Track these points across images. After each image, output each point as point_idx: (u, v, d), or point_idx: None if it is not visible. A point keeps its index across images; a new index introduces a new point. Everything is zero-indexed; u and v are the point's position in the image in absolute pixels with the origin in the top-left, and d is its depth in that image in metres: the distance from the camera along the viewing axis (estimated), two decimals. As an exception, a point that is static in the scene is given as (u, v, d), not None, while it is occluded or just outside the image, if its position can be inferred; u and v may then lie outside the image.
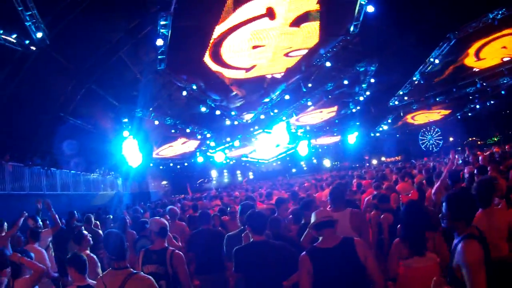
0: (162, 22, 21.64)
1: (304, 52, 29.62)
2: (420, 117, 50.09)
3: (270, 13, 23.54)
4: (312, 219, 5.98)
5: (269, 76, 32.55)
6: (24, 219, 12.15)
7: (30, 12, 18.22)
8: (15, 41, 19.01)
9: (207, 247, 9.13)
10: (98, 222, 15.51)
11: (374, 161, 57.52)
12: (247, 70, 30.03)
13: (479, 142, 53.02)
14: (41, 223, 12.64)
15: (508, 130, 50.43)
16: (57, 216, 12.08)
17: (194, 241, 9.53)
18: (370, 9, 24.18)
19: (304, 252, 5.71)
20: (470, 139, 55.43)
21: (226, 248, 8.31)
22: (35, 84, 22.36)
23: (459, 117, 50.52)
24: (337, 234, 5.85)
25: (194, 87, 29.86)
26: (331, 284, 5.51)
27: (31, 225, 11.94)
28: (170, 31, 22.20)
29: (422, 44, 30.15)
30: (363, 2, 24.52)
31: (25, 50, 19.63)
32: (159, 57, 24.31)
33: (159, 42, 22.51)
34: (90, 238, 8.88)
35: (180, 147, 44.17)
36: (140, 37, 23.30)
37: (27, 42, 19.23)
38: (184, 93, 29.69)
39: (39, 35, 18.98)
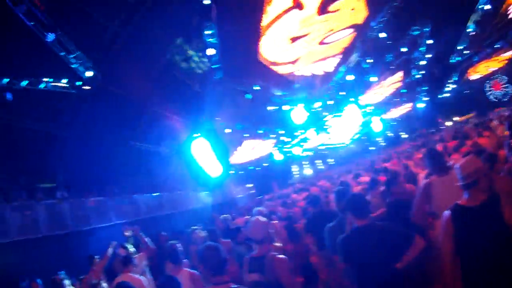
0: (207, 32, 21.18)
1: (344, 34, 28.67)
2: (481, 69, 47.79)
3: (297, 4, 22.75)
4: (458, 175, 5.25)
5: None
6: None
7: (74, 55, 18.10)
8: (67, 85, 18.99)
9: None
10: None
11: (448, 123, 55.84)
12: (293, 62, 29.22)
13: None
14: (133, 249, 12.17)
15: None
16: (147, 239, 11.69)
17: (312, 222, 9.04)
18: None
19: (447, 211, 5.17)
20: None
21: (328, 242, 7.55)
22: (98, 118, 22.62)
23: None
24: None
25: (257, 87, 29.13)
26: (475, 249, 4.91)
27: (122, 254, 11.56)
28: (217, 39, 21.67)
29: None
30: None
31: (78, 92, 19.56)
32: (213, 66, 23.85)
33: (210, 51, 22.18)
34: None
35: (256, 151, 43.48)
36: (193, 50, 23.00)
37: (78, 83, 19.22)
38: (248, 95, 28.98)
39: (89, 74, 18.89)
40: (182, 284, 6.25)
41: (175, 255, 8.12)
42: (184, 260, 8.35)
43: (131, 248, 11.69)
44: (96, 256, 11.16)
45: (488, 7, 30.01)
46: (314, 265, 8.96)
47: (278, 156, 44.79)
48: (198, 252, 5.37)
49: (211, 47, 22.01)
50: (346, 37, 29.45)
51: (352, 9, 25.92)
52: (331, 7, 24.46)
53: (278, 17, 23.33)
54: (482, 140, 13.93)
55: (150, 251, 11.52)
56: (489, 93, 52.87)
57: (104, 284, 9.05)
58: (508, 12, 33.61)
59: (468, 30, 33.41)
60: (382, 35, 29.99)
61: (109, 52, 21.03)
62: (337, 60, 32.35)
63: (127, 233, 12.66)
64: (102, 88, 20.95)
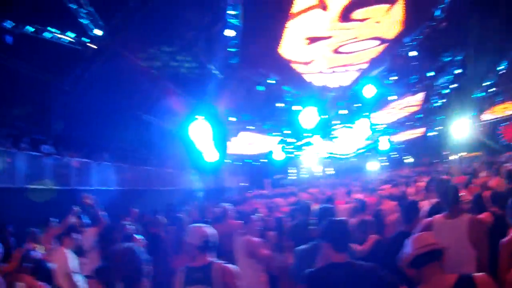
0: (231, 12, 19.84)
1: (369, 44, 27.21)
2: (498, 109, 45.84)
3: (322, 4, 21.17)
4: (407, 249, 4.18)
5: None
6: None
7: (86, 10, 17.17)
8: (73, 40, 18.04)
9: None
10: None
11: (453, 157, 54.50)
12: (306, 63, 27.80)
13: None
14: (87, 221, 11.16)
15: None
16: (103, 213, 10.99)
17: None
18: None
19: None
20: None
21: (295, 267, 6.18)
22: (109, 82, 22.31)
23: None
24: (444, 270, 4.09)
25: (272, 81, 27.71)
26: None
27: (73, 223, 10.37)
28: (241, 21, 20.34)
29: (509, 30, 27.28)
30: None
31: (84, 48, 18.58)
32: (230, 49, 22.63)
33: (229, 33, 20.93)
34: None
35: (256, 145, 43.07)
36: (214, 32, 21.86)
37: (86, 40, 18.24)
38: (261, 88, 27.80)
39: (98, 32, 17.94)
40: None
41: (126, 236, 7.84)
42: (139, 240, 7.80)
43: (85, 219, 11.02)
44: (54, 220, 10.92)
45: None
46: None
47: (279, 155, 43.82)
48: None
49: (232, 29, 20.64)
50: (372, 48, 28.03)
51: (377, 22, 24.41)
52: (354, 15, 22.94)
53: (301, 12, 21.71)
54: (493, 182, 12.29)
55: (101, 226, 10.84)
56: (502, 136, 51.14)
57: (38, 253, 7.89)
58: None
59: (499, 68, 32.09)
60: (413, 53, 28.55)
61: (124, 15, 20.15)
62: (356, 73, 31.06)
63: (87, 201, 11.78)
64: (110, 50, 20.54)
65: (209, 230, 5.66)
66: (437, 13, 24.62)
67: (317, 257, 5.56)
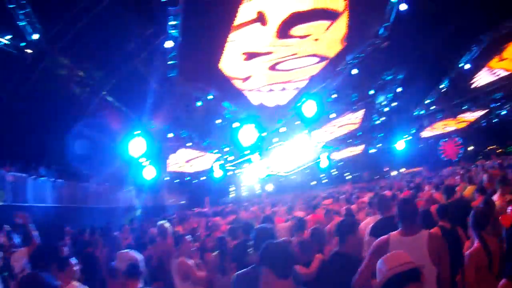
0: (171, 22, 18.83)
1: (309, 62, 26.67)
2: (438, 126, 47.76)
3: (260, 18, 20.52)
4: (381, 269, 3.66)
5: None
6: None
7: (24, 11, 16.26)
8: (8, 42, 16.92)
9: None
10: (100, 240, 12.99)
11: (394, 173, 55.06)
12: (244, 80, 27.11)
13: (498, 150, 49.34)
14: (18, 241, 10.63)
15: None
16: (35, 233, 9.59)
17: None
18: (403, 7, 21.13)
19: None
20: (490, 147, 52.43)
21: None
22: (46, 91, 21.24)
23: (484, 124, 48.25)
24: None
25: (211, 96, 26.85)
26: None
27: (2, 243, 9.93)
28: (180, 33, 19.36)
29: (450, 49, 28.26)
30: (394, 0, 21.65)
31: (19, 53, 17.71)
32: (169, 62, 21.65)
33: (169, 44, 19.77)
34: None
35: (196, 163, 42.18)
36: (156, 45, 21.00)
37: (22, 44, 17.29)
38: (199, 103, 26.85)
39: (35, 36, 16.90)
40: None
41: (63, 262, 6.58)
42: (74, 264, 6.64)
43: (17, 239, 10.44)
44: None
45: (468, 66, 28.62)
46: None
47: (218, 173, 43.26)
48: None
49: (171, 40, 19.63)
50: (312, 66, 27.50)
51: (316, 40, 23.85)
52: (293, 31, 22.37)
53: (240, 26, 21.06)
54: (437, 195, 12.62)
55: (32, 247, 9.35)
56: (441, 151, 52.78)
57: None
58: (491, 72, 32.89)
59: (441, 86, 32.09)
60: (354, 71, 28.06)
61: (75, 26, 19.00)
62: (293, 92, 30.44)
63: (19, 219, 10.71)
64: (48, 58, 19.58)
65: (137, 255, 5.34)
66: (381, 31, 24.37)
67: (259, 282, 4.62)
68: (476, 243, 5.82)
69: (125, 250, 5.64)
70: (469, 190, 12.10)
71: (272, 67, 25.91)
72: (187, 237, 8.78)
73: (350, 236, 6.27)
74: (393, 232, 5.47)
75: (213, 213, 23.36)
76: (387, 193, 16.19)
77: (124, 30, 21.40)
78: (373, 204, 10.01)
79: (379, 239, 5.57)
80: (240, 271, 5.51)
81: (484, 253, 5.65)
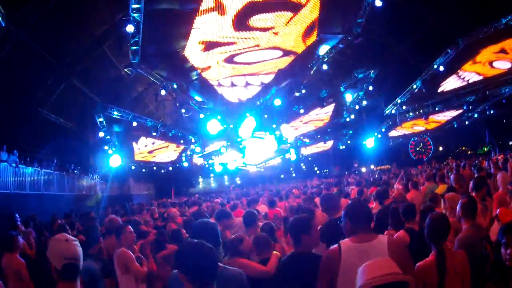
0: (134, 6, 17.55)
1: (272, 55, 25.63)
2: (407, 125, 47.28)
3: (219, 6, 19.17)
4: (361, 279, 3.15)
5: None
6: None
7: None
8: None
9: None
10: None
11: (363, 169, 55.61)
12: (203, 70, 25.95)
13: (469, 152, 51.09)
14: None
15: (500, 140, 47.87)
16: None
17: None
18: (378, 3, 19.98)
19: None
20: (460, 148, 53.85)
21: None
22: (11, 75, 20.38)
23: (455, 125, 47.91)
24: None
25: (175, 86, 25.81)
26: None
27: None
28: (142, 16, 18.13)
29: (423, 50, 28.25)
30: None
31: None
32: (132, 48, 20.14)
33: (130, 28, 18.39)
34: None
35: (160, 154, 41.43)
36: (125, 31, 19.43)
37: None
38: (163, 92, 25.75)
39: None
40: None
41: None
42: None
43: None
44: None
45: (441, 68, 27.75)
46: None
47: (186, 163, 42.60)
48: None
49: (132, 24, 18.28)
50: (275, 60, 26.37)
51: (275, 33, 22.70)
52: (253, 22, 21.13)
53: (198, 14, 19.67)
54: (410, 194, 12.14)
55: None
56: (411, 150, 53.08)
57: None
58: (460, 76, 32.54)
59: (414, 86, 31.41)
60: (325, 67, 27.06)
61: (42, 9, 18.38)
62: (257, 88, 29.75)
63: None
64: (25, 43, 19.39)
65: (75, 246, 4.47)
66: (354, 28, 23.26)
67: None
68: (431, 256, 4.94)
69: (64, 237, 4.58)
70: (440, 189, 11.28)
71: (229, 59, 24.79)
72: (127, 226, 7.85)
73: (304, 236, 5.33)
74: (344, 240, 4.67)
75: (172, 204, 22.44)
76: (353, 189, 16.23)
77: (93, 14, 21.08)
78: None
79: (327, 251, 4.78)
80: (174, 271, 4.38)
81: (435, 269, 4.77)
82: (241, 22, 20.54)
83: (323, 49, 25.94)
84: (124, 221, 11.56)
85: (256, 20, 20.72)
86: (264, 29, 21.86)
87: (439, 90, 34.23)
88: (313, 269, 4.75)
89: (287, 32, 22.70)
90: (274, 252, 6.29)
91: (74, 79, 24.12)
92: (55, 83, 23.65)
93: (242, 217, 8.45)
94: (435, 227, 5.05)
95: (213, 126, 28.58)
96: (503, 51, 27.97)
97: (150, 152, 39.52)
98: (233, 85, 28.43)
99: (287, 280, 5.31)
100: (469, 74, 31.97)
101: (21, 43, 19.15)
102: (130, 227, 7.85)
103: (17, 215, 12.97)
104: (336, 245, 4.63)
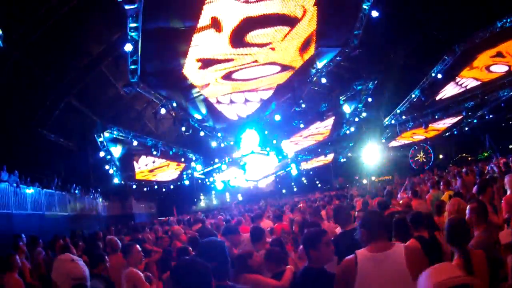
0: (132, 24, 17.38)
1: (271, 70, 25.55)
2: (407, 135, 47.27)
3: (215, 24, 19.11)
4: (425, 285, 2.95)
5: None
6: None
7: None
8: None
9: None
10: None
11: (365, 181, 54.34)
12: (201, 88, 25.84)
13: (469, 158, 50.49)
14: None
15: (500, 144, 47.07)
16: None
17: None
18: (375, 14, 20.01)
19: None
20: (460, 155, 53.05)
21: None
22: (10, 95, 20.55)
23: (455, 132, 48.34)
24: None
25: (174, 104, 25.82)
26: None
27: None
28: (140, 34, 18.05)
29: (420, 59, 28.13)
30: (366, 7, 20.65)
31: None
32: (130, 67, 20.05)
33: (128, 47, 18.21)
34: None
35: (163, 173, 41.52)
36: (123, 50, 19.28)
37: None
38: (164, 111, 25.92)
39: None
40: None
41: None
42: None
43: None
44: None
45: (439, 76, 27.75)
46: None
47: (187, 182, 42.43)
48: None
49: (130, 43, 18.14)
50: (275, 75, 26.35)
51: (272, 49, 22.59)
52: (250, 38, 21.04)
53: (195, 32, 19.56)
54: (413, 203, 12.55)
55: None
56: (411, 160, 52.81)
57: None
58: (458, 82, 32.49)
59: (412, 96, 31.49)
60: (323, 80, 27.18)
61: (40, 28, 18.19)
62: (256, 104, 29.63)
63: None
64: (23, 63, 19.40)
65: (83, 268, 4.35)
66: (352, 40, 23.33)
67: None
68: (456, 260, 4.94)
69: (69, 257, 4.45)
70: (446, 196, 11.61)
71: (228, 76, 24.69)
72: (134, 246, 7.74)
73: (312, 251, 5.21)
74: (360, 250, 4.67)
75: (177, 221, 22.74)
76: (358, 201, 16.19)
77: (91, 34, 20.87)
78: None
79: (343, 260, 4.74)
80: None
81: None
82: (238, 38, 20.44)
83: (321, 63, 25.88)
84: (129, 240, 11.50)
85: (253, 36, 20.66)
86: (261, 45, 21.75)
87: (438, 98, 34.22)
88: (327, 286, 4.70)
89: (284, 47, 22.63)
90: (288, 266, 6.11)
91: (73, 99, 24.01)
92: (54, 103, 23.57)
93: (250, 232, 8.36)
94: (456, 231, 5.07)
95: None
96: (499, 54, 27.92)
97: (151, 171, 39.27)
98: (232, 102, 28.27)
99: None
100: (467, 80, 31.89)
101: (18, 63, 19.12)
102: (138, 246, 7.73)
103: (23, 235, 12.89)
104: (352, 255, 4.60)
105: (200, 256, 4.47)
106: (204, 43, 20.39)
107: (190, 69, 22.81)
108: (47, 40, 18.77)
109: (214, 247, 4.69)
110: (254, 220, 12.63)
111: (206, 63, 22.48)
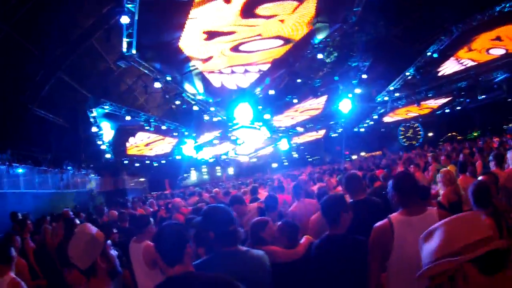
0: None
1: (273, 44, 25.31)
2: (401, 112, 47.45)
3: None
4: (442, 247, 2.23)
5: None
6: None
7: None
8: None
9: None
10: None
11: (354, 156, 54.89)
12: (204, 61, 25.38)
13: (458, 137, 50.12)
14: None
15: (490, 125, 47.66)
16: None
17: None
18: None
19: None
20: (450, 134, 53.16)
21: None
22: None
23: (447, 111, 48.30)
24: None
25: (169, 78, 25.38)
26: None
27: None
28: (137, 7, 17.55)
29: (415, 38, 28.36)
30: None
31: None
32: (126, 39, 19.57)
33: (125, 19, 17.68)
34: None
35: (156, 147, 41.17)
36: (113, 23, 19.36)
37: None
38: (158, 85, 25.20)
39: None
40: None
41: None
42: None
43: None
44: None
45: (435, 55, 27.75)
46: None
47: (178, 156, 42.37)
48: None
49: (127, 15, 17.62)
50: (275, 48, 26.03)
51: (281, 21, 22.38)
52: (258, 11, 20.79)
53: (202, 3, 19.15)
54: (418, 174, 13.66)
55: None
56: (402, 136, 54.57)
57: None
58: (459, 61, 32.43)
59: (407, 74, 31.28)
60: (320, 56, 26.78)
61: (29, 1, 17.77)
62: (255, 75, 29.10)
63: None
64: (11, 38, 18.65)
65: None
66: (350, 16, 23.17)
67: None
68: (485, 219, 4.80)
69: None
70: (451, 168, 11.86)
71: (235, 48, 24.41)
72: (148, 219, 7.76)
73: (345, 214, 5.12)
74: (393, 214, 4.62)
75: (172, 195, 23.61)
76: (379, 171, 15.76)
77: (80, 6, 20.29)
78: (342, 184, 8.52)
79: (377, 225, 4.65)
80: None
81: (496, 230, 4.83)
82: (247, 10, 20.32)
83: (319, 38, 25.63)
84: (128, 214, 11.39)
85: (263, 8, 20.54)
86: (268, 17, 21.63)
87: (439, 74, 34.31)
88: (355, 253, 4.76)
89: (290, 20, 22.52)
90: (306, 236, 5.95)
91: (63, 73, 23.36)
92: (44, 78, 23.02)
93: (264, 200, 8.55)
94: (482, 192, 5.42)
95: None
96: (498, 38, 27.93)
97: (146, 145, 39.15)
98: (233, 72, 27.97)
99: (323, 265, 5.05)
100: (465, 61, 31.96)
101: (7, 38, 18.56)
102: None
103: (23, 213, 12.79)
104: (386, 220, 4.56)
105: (206, 222, 4.46)
106: (210, 14, 20.17)
107: (193, 42, 22.57)
108: (36, 14, 18.41)
109: (220, 212, 4.52)
110: (253, 192, 12.58)
111: (211, 35, 22.24)
